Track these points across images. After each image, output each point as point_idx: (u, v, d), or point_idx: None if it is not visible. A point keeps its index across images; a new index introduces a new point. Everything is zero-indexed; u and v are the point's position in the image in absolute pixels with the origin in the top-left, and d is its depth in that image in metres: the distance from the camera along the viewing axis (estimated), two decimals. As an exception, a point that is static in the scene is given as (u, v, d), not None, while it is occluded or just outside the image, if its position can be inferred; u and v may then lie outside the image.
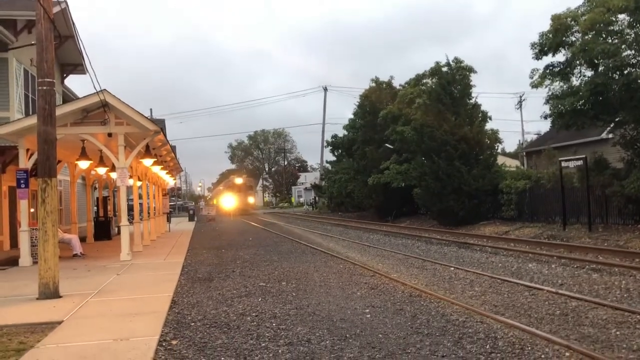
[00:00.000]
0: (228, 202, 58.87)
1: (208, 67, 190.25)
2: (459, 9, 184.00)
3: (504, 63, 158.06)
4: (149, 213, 23.60)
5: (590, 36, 18.33)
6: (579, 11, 19.28)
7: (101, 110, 14.67)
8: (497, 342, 6.35)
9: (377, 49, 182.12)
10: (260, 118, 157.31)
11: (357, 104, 39.80)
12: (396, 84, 38.56)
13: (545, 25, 20.11)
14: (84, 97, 14.84)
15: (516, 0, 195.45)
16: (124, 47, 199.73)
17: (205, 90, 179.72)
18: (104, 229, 23.53)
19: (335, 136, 45.70)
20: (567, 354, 5.83)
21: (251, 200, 62.81)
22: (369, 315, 7.88)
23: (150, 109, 48.64)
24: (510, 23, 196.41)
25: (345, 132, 43.05)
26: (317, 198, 63.29)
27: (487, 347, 6.21)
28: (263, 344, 6.50)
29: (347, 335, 6.81)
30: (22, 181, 14.32)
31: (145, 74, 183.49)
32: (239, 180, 61.59)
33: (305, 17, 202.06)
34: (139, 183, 21.76)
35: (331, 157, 49.43)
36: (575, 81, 19.68)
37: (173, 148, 24.15)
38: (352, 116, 42.27)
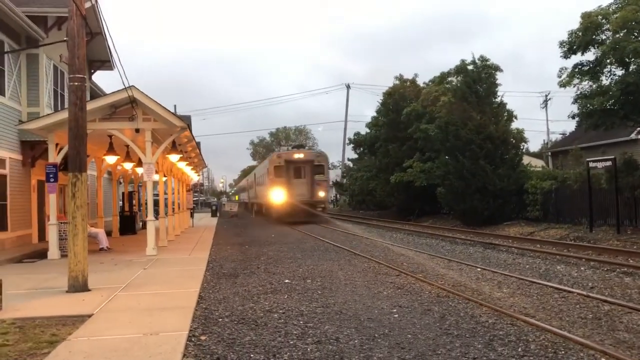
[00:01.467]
0: (276, 194, 32.46)
1: (224, 64, 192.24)
2: (474, 9, 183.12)
3: (520, 62, 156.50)
4: (173, 208, 23.83)
5: (621, 34, 17.96)
6: (610, 9, 18.91)
7: (129, 106, 14.82)
8: (529, 345, 6.25)
9: (393, 46, 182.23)
10: (281, 115, 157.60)
11: (380, 101, 39.60)
12: (419, 81, 38.34)
13: (559, 24, 19.82)
14: (112, 92, 15.02)
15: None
16: (139, 45, 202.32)
17: (222, 88, 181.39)
18: (129, 224, 23.82)
19: (357, 134, 45.56)
20: (602, 359, 5.71)
21: (322, 193, 33.45)
22: (396, 315, 7.82)
23: (174, 105, 48.92)
24: (526, 22, 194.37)
25: (368, 130, 42.89)
26: (338, 195, 63.21)
27: (519, 350, 6.11)
28: (291, 342, 6.49)
29: (376, 335, 6.76)
30: (51, 175, 14.58)
31: (161, 71, 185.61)
32: (298, 155, 33.88)
33: (321, 15, 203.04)
34: (164, 179, 21.96)
35: (352, 155, 49.28)
36: (605, 80, 19.34)
37: (197, 144, 24.31)
38: (373, 113, 42.17)
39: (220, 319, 7.68)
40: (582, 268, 12.18)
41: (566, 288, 9.67)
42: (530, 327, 7.02)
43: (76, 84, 9.73)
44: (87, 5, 11.28)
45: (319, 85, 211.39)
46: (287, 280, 11.02)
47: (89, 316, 7.55)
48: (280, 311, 8.15)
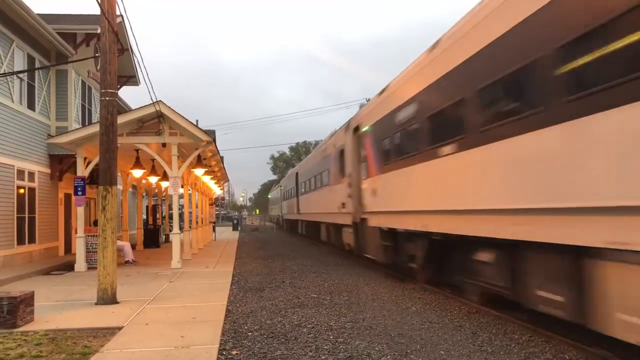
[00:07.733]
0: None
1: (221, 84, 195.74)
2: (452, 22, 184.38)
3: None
4: (197, 222, 23.99)
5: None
6: None
7: (156, 120, 15.01)
8: (567, 364, 6.09)
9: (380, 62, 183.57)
10: (301, 131, 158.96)
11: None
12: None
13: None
14: (140, 107, 15.23)
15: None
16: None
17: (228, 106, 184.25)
18: (153, 237, 24.01)
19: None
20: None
21: None
22: (427, 331, 7.70)
23: (197, 120, 49.35)
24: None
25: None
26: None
27: (557, 368, 5.97)
28: (323, 357, 6.42)
29: (408, 351, 6.66)
30: (79, 188, 14.78)
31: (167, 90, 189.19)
32: None
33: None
34: (189, 192, 22.12)
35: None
36: None
37: (221, 158, 24.48)
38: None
39: (250, 333, 7.64)
40: None
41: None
42: (565, 345, 6.85)
43: (107, 98, 9.88)
44: (118, 20, 11.49)
45: (317, 103, 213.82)
46: (313, 295, 10.96)
47: (119, 328, 7.58)
48: (310, 325, 8.08)
